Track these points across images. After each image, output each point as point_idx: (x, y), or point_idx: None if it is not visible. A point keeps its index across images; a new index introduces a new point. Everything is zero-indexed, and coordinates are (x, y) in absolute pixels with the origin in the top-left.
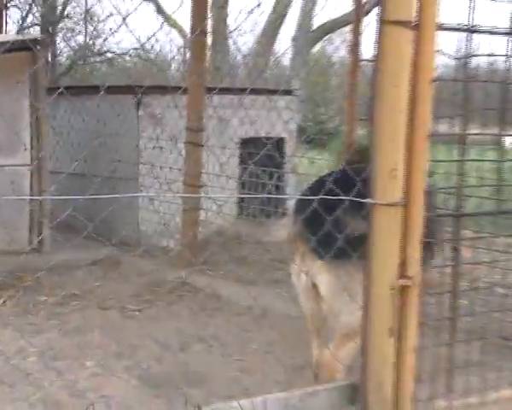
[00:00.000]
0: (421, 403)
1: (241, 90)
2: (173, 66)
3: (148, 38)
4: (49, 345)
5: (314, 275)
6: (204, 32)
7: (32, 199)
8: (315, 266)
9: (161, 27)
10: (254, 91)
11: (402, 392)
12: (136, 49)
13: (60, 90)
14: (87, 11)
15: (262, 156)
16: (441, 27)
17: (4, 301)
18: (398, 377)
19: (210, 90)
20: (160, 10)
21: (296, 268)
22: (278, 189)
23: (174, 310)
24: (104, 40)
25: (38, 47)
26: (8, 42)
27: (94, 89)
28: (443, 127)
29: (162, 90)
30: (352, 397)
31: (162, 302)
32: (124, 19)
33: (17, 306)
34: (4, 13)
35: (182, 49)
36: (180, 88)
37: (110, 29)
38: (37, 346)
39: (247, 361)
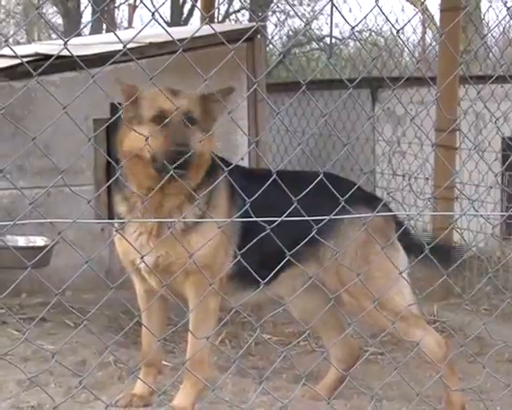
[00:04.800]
0: None
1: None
2: (407, 51)
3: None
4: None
5: None
6: (456, 7)
7: None
8: None
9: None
10: None
11: None
12: (359, 31)
13: (302, 86)
14: None
15: None
16: None
17: (223, 339)
18: None
19: (465, 79)
20: None
21: None
22: None
23: (423, 354)
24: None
25: (258, 36)
26: (227, 32)
27: (318, 84)
28: None
29: (404, 82)
30: None
31: (408, 343)
32: None
33: (237, 345)
34: None
35: (420, 29)
36: (430, 79)
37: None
38: (266, 394)
39: None
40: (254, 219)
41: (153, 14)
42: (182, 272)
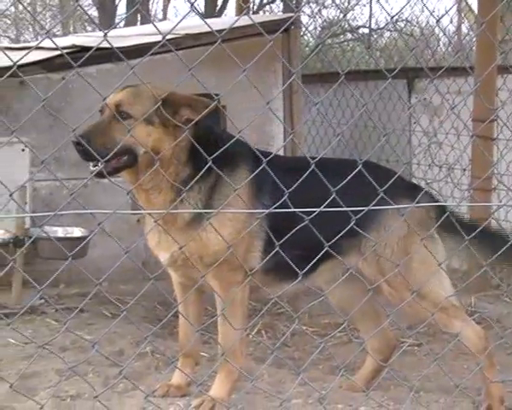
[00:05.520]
0: None
1: None
2: (442, 40)
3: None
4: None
5: None
6: None
7: None
8: None
9: None
10: None
11: None
12: (395, 21)
13: (341, 77)
14: None
15: None
16: None
17: (259, 330)
18: None
19: (504, 69)
20: None
21: None
22: None
23: (461, 346)
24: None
25: (292, 27)
26: (263, 23)
27: (353, 74)
28: None
29: (443, 72)
30: None
31: (445, 335)
32: None
33: (273, 336)
34: None
35: (454, 17)
36: (469, 68)
37: None
38: (303, 385)
39: None
40: (285, 210)
41: (192, 4)
42: (202, 267)
